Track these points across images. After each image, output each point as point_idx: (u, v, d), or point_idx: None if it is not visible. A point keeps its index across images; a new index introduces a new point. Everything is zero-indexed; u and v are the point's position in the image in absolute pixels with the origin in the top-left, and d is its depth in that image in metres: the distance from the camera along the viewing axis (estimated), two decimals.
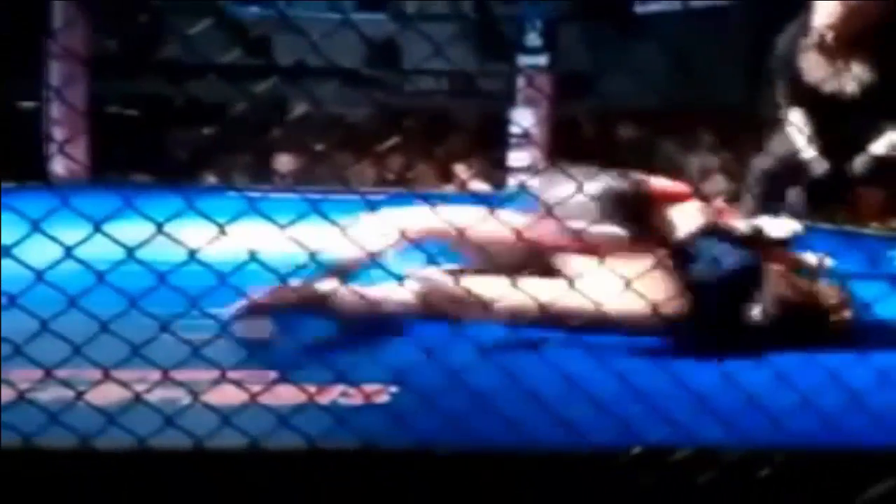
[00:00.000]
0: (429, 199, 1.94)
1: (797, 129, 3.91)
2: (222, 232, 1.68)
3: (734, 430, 1.87)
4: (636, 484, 1.82)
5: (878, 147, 3.81)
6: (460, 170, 7.92)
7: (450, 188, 7.68)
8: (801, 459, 1.81)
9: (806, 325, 2.82)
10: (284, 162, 8.41)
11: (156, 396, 1.94)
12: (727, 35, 6.28)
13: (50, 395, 1.92)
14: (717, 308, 2.79)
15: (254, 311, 2.51)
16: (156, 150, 8.77)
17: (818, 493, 1.80)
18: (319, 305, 2.61)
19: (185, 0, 7.31)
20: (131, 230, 1.69)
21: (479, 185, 7.78)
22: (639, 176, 3.09)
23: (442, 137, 7.83)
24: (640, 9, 7.37)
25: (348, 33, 7.75)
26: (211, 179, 8.52)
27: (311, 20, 7.60)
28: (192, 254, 1.64)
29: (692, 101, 6.60)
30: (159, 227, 1.60)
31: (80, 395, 1.82)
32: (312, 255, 1.83)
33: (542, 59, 7.93)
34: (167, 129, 9.14)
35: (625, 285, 2.10)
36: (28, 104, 8.59)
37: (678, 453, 1.82)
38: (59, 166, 8.27)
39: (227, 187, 6.38)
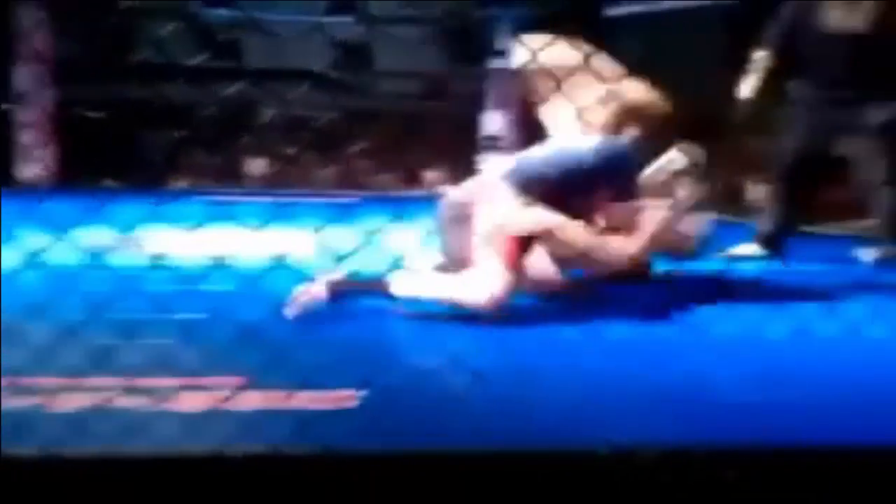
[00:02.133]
0: (398, 203, 1.94)
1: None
2: (187, 237, 1.68)
3: None
4: (603, 486, 1.83)
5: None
6: (430, 173, 7.92)
7: (420, 191, 7.68)
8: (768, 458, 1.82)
9: None
10: (254, 165, 8.38)
11: (121, 403, 1.92)
12: (701, 37, 6.30)
13: (14, 402, 1.90)
14: None
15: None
16: (125, 153, 8.70)
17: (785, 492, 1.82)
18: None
19: (155, 3, 7.26)
20: (97, 235, 1.68)
21: (449, 189, 7.79)
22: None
23: (412, 140, 7.82)
24: (610, 11, 7.39)
25: (319, 36, 7.72)
26: (180, 183, 8.47)
27: (282, 24, 7.57)
28: (158, 259, 1.63)
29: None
30: (123, 233, 1.59)
31: (43, 402, 1.81)
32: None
33: (512, 63, 7.94)
34: (136, 133, 9.07)
35: None
36: None
37: (645, 453, 1.83)
38: (26, 171, 8.18)
39: (195, 191, 6.35)
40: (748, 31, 4.33)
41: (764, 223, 4.17)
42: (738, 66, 4.20)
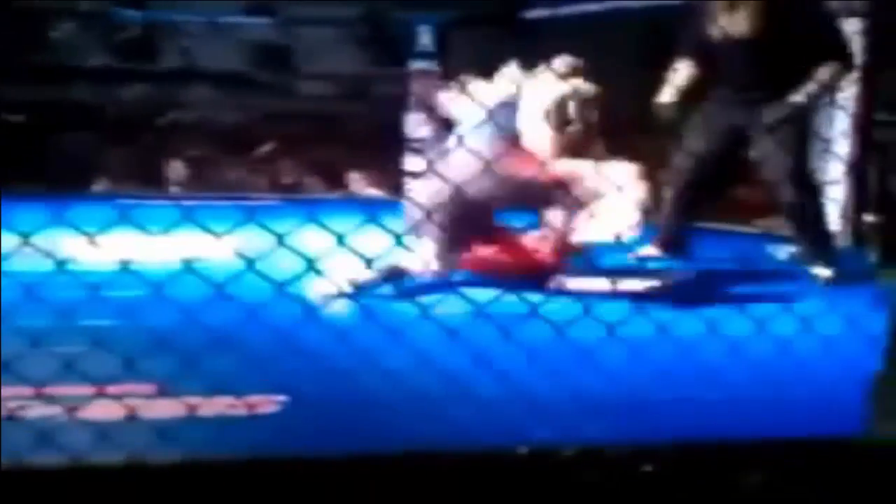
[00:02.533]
0: (320, 206, 1.93)
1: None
2: (92, 242, 1.64)
3: None
4: (522, 486, 1.84)
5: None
6: (353, 176, 7.88)
7: (343, 194, 7.65)
8: (680, 454, 1.85)
9: None
10: (173, 169, 8.25)
11: (32, 413, 1.87)
12: (622, 39, 6.35)
13: None
14: None
15: None
16: (42, 157, 8.48)
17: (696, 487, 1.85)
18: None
19: (68, 4, 7.12)
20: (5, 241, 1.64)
21: (372, 191, 7.76)
22: None
23: (334, 143, 7.78)
24: (532, 14, 7.45)
25: (238, 37, 7.64)
26: (100, 187, 8.29)
27: (202, 25, 7.47)
28: (62, 265, 1.59)
29: None
30: (25, 238, 1.54)
31: None
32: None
33: (434, 64, 7.95)
34: (51, 137, 8.85)
35: None
36: None
37: (563, 453, 1.84)
38: None
39: (108, 195, 6.25)
40: (664, 35, 4.42)
41: (666, 225, 4.23)
42: (654, 71, 4.28)
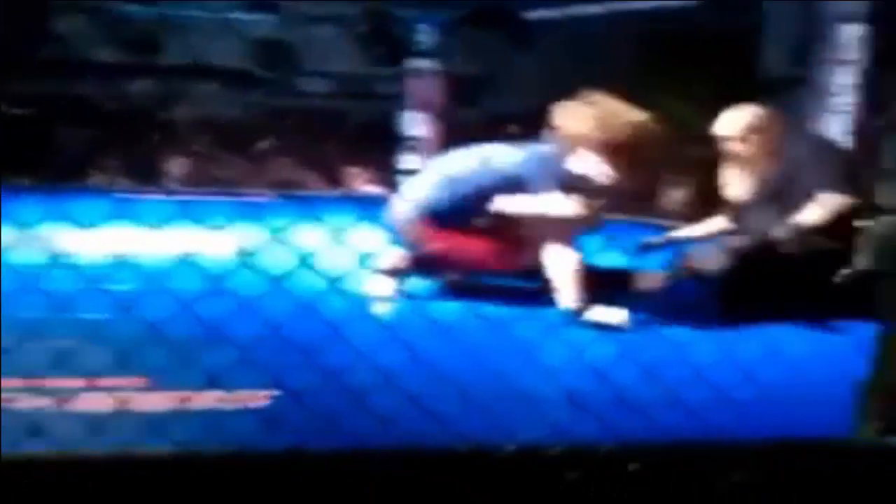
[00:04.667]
0: (316, 203, 1.94)
1: None
2: (89, 235, 1.65)
3: None
4: (509, 483, 1.85)
5: None
6: (351, 173, 7.89)
7: (340, 191, 7.67)
8: (667, 453, 1.86)
9: None
10: (173, 164, 8.26)
11: (23, 404, 1.89)
12: (616, 42, 6.36)
13: None
14: None
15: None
16: (41, 151, 8.49)
17: (682, 486, 1.86)
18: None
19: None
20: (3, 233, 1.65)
21: (369, 189, 7.77)
22: None
23: (333, 140, 7.79)
24: (530, 15, 7.46)
25: (239, 34, 7.65)
26: (97, 181, 8.29)
27: (202, 21, 7.48)
28: (58, 257, 1.60)
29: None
30: (29, 231, 1.56)
31: None
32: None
33: (433, 63, 7.97)
34: (53, 131, 8.86)
35: None
36: None
37: (551, 451, 1.86)
38: None
39: (108, 190, 6.26)
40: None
41: None
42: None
